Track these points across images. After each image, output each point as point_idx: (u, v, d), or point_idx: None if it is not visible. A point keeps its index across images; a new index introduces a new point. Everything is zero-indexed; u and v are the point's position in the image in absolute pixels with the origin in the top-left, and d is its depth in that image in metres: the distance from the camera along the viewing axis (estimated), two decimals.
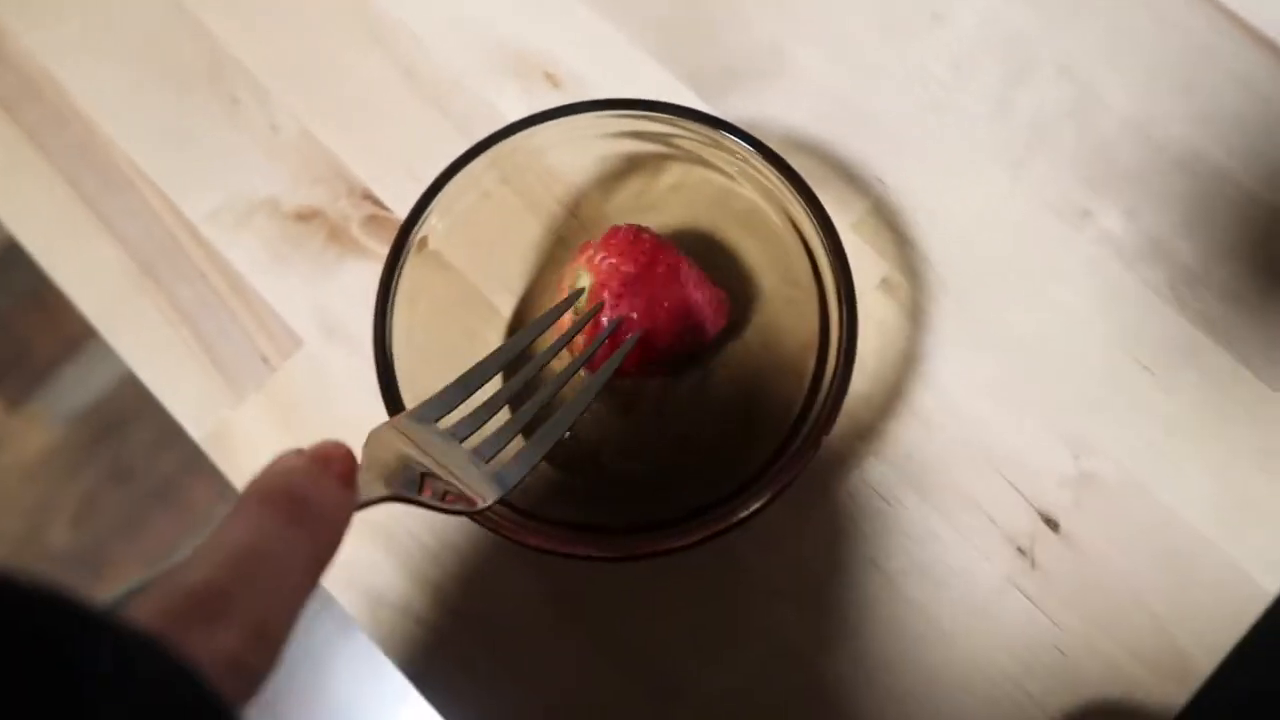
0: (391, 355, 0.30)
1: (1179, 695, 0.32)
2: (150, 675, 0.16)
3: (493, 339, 0.35)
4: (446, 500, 0.26)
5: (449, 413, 0.28)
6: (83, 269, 0.38)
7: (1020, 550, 0.33)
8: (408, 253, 0.31)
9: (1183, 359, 0.35)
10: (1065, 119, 0.38)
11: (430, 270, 0.33)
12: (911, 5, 0.39)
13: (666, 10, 0.40)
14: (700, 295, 0.33)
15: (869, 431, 0.35)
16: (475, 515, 0.28)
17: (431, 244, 0.32)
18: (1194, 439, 0.34)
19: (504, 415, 0.29)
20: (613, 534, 0.30)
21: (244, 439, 0.36)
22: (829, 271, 0.31)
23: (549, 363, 0.31)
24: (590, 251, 0.32)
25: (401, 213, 0.38)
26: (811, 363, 0.31)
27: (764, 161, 0.31)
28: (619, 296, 0.31)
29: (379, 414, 0.36)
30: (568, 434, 0.30)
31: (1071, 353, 0.35)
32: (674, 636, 0.33)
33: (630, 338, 0.31)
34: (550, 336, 0.32)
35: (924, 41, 0.39)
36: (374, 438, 0.26)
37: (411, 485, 0.25)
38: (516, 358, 0.30)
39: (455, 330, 0.34)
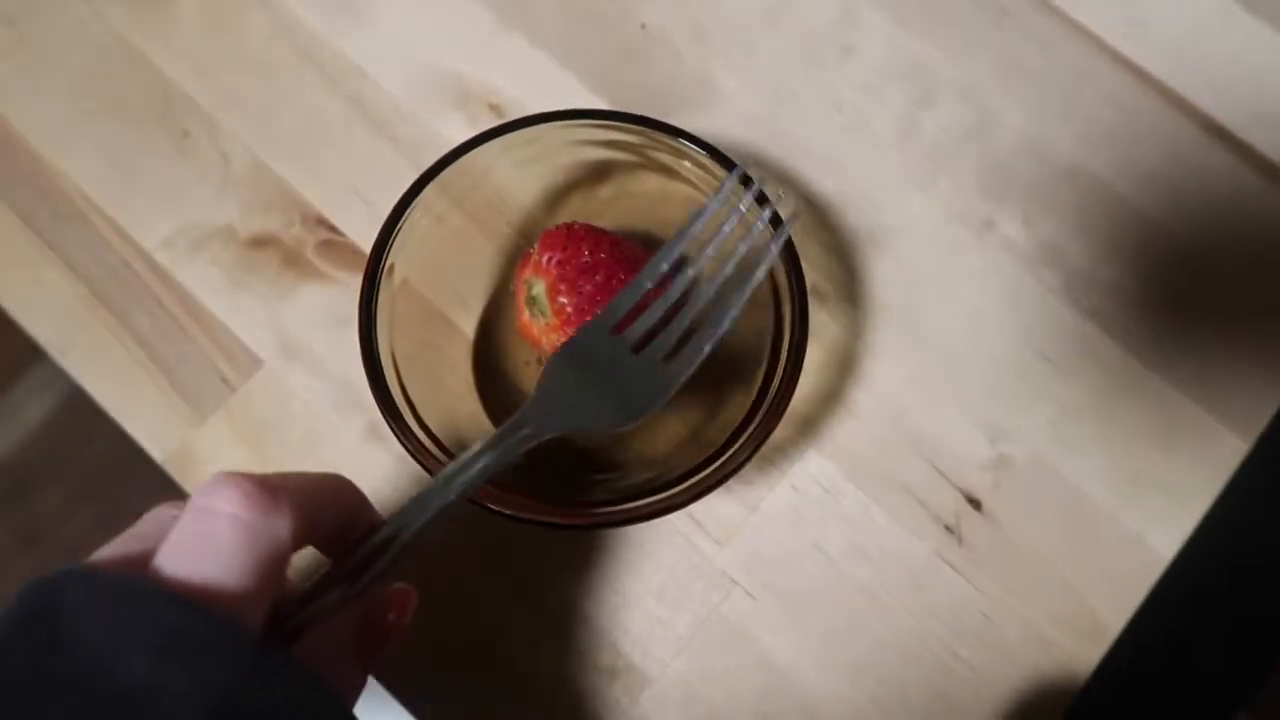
0: (385, 376, 0.32)
1: (1093, 652, 0.35)
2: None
3: (458, 355, 0.37)
4: None
5: (617, 323, 0.31)
6: (34, 298, 0.39)
7: (948, 528, 0.36)
8: (380, 279, 0.32)
9: (1078, 350, 0.39)
10: (966, 138, 0.41)
11: (395, 293, 0.34)
12: (824, 38, 0.43)
13: (602, 44, 0.43)
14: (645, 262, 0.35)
15: (808, 428, 0.38)
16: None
17: (398, 270, 0.34)
18: (1092, 421, 0.38)
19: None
20: (572, 505, 0.32)
21: (207, 458, 0.37)
22: (781, 269, 0.33)
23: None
24: (533, 258, 0.34)
25: (355, 237, 0.40)
26: (764, 356, 0.34)
27: (710, 159, 0.33)
28: (575, 285, 0.33)
29: (343, 431, 0.37)
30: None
31: (983, 349, 0.39)
32: (637, 624, 0.35)
33: (785, 225, 0.31)
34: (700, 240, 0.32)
35: (837, 71, 0.42)
36: (548, 368, 0.29)
37: None
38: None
39: (426, 349, 0.36)
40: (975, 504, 0.37)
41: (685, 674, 0.35)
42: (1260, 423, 0.38)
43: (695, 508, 0.36)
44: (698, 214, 0.31)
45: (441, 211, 0.35)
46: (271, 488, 0.22)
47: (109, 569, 0.21)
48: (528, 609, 0.36)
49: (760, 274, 0.31)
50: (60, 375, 0.37)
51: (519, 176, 0.37)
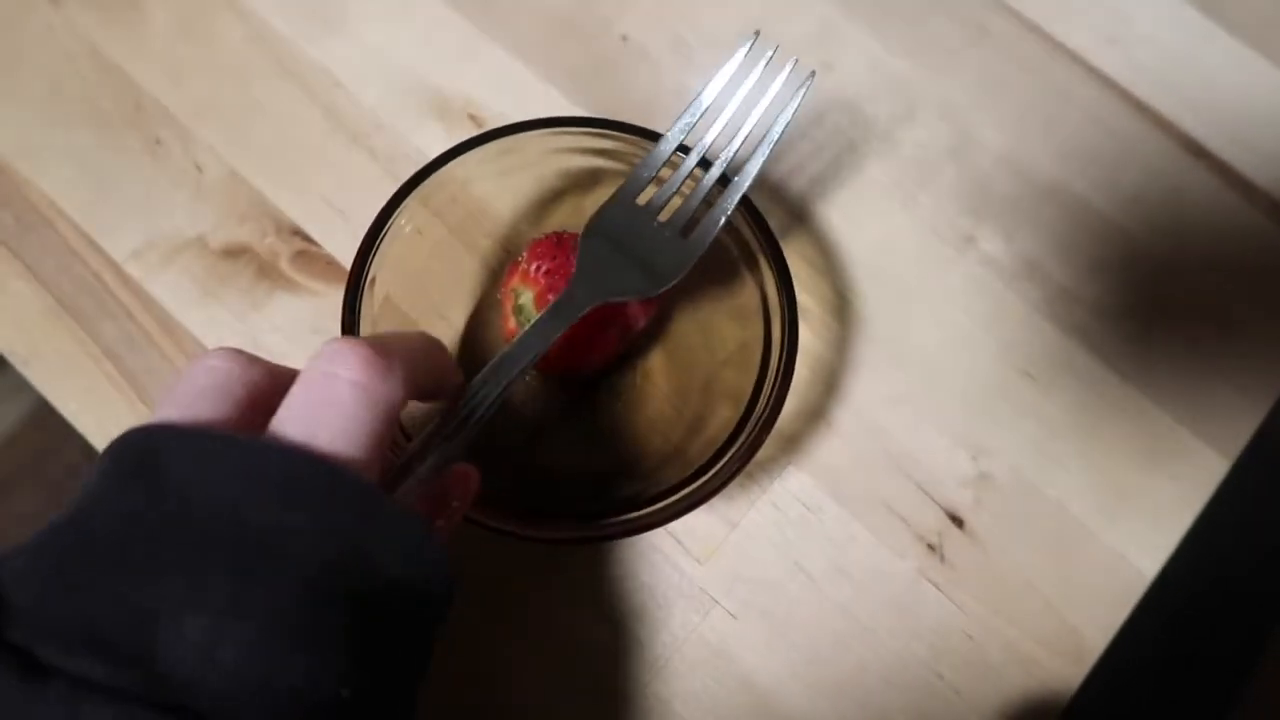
0: None
1: (1076, 671, 0.35)
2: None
3: None
4: None
5: (641, 194, 0.32)
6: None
7: (930, 546, 0.36)
8: (363, 291, 0.32)
9: (1060, 367, 0.39)
10: (947, 156, 0.41)
11: (376, 306, 0.33)
12: (804, 53, 0.43)
13: (583, 55, 0.42)
14: None
15: (790, 445, 0.37)
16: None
17: (379, 283, 0.33)
18: (1073, 438, 0.38)
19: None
20: (554, 520, 0.31)
21: None
22: (772, 282, 0.33)
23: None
24: (522, 267, 0.34)
25: (331, 248, 0.39)
26: (750, 371, 0.33)
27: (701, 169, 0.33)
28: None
29: None
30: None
31: (964, 365, 0.39)
32: (615, 644, 0.35)
33: (801, 88, 0.32)
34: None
35: (818, 87, 0.42)
36: (584, 241, 0.31)
37: None
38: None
39: None
40: (958, 521, 0.36)
41: (664, 695, 0.34)
42: (1240, 441, 0.38)
43: (675, 525, 0.35)
44: (711, 80, 0.32)
45: (422, 224, 0.35)
46: (385, 351, 0.23)
47: (206, 430, 0.22)
48: (505, 629, 0.35)
49: (777, 134, 0.31)
50: (28, 385, 0.36)
51: (500, 187, 0.37)
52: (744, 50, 0.32)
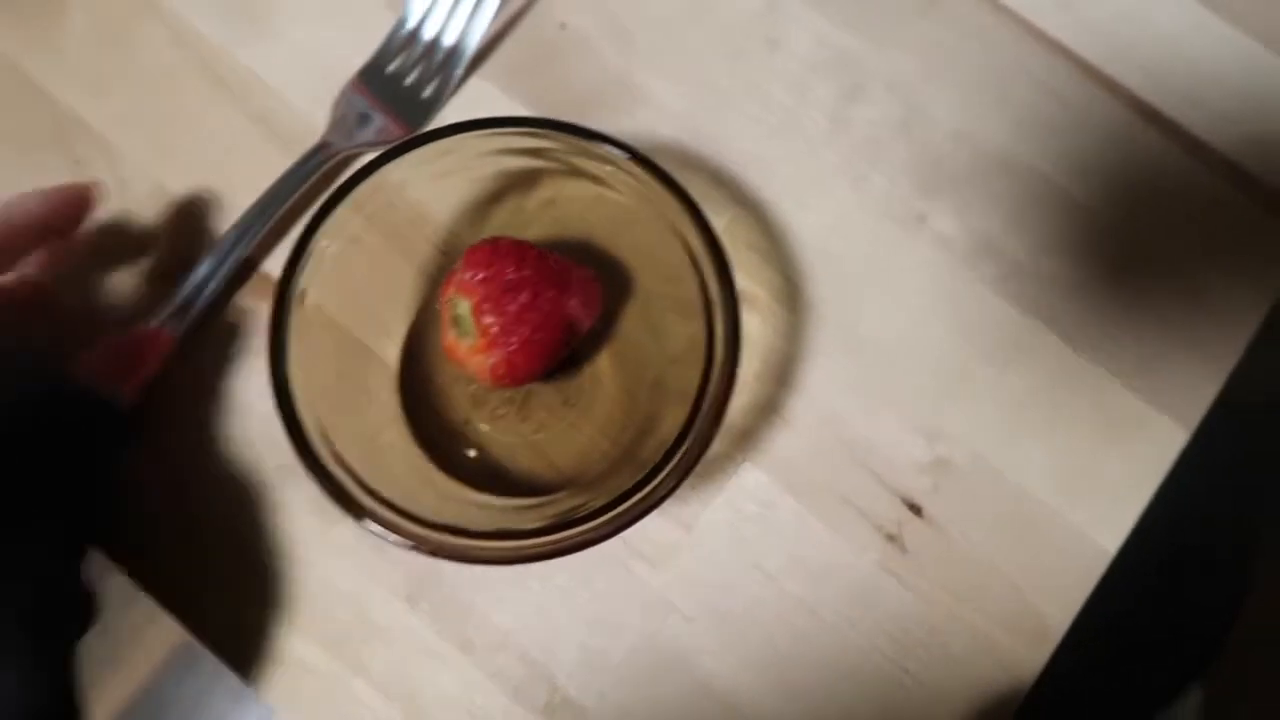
0: (298, 412, 0.30)
1: (1040, 653, 0.35)
2: None
3: (377, 383, 0.36)
4: None
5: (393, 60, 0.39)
6: None
7: (890, 537, 0.36)
8: (290, 307, 0.31)
9: (1017, 345, 0.38)
10: (897, 132, 0.40)
11: (309, 322, 0.32)
12: (748, 32, 0.41)
13: (521, 46, 0.41)
14: (575, 275, 0.34)
15: (743, 440, 0.36)
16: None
17: (310, 296, 0.32)
18: (1031, 418, 0.37)
19: None
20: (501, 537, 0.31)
21: None
22: (713, 279, 0.32)
23: None
24: (458, 275, 0.33)
25: (269, 264, 0.38)
26: (697, 368, 0.32)
27: (639, 167, 0.32)
28: (500, 304, 0.32)
29: (253, 462, 0.36)
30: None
31: (919, 349, 0.38)
32: (571, 654, 0.34)
33: None
34: None
35: (764, 67, 0.41)
36: (341, 99, 0.38)
37: None
38: None
39: (344, 380, 0.35)
40: (916, 510, 0.36)
41: (625, 704, 0.34)
42: (1200, 410, 0.37)
43: (629, 530, 0.35)
44: None
45: (356, 232, 0.34)
46: None
47: None
48: (456, 647, 0.34)
49: None
50: None
51: (438, 191, 0.36)
52: None
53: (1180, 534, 0.37)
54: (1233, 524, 0.40)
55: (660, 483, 0.31)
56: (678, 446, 0.31)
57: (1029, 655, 0.35)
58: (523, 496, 0.36)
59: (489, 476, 0.36)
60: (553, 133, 0.33)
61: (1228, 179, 0.40)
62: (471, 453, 0.37)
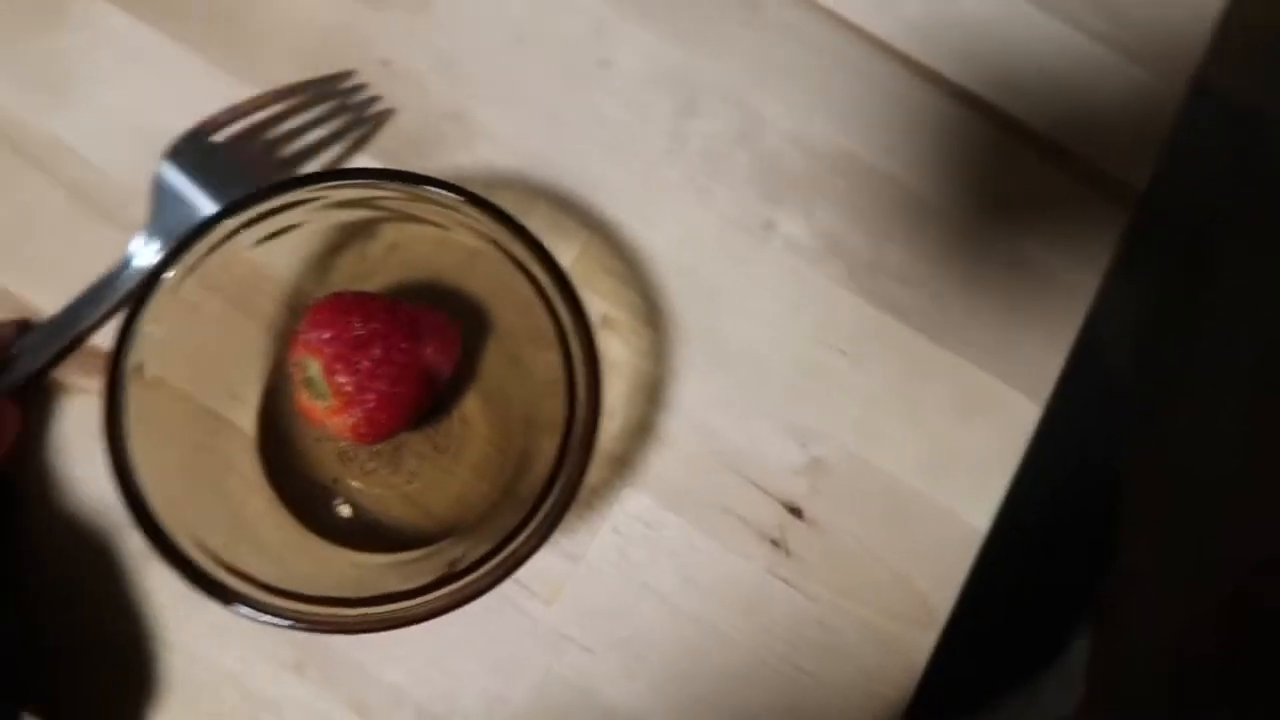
0: (145, 499, 0.28)
1: (929, 636, 0.36)
2: None
3: (234, 451, 0.34)
4: None
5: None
6: None
7: (774, 542, 0.36)
8: (124, 385, 0.29)
9: (873, 339, 0.39)
10: (735, 142, 0.41)
11: (151, 398, 0.31)
12: (579, 54, 0.41)
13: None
14: (428, 321, 0.33)
15: (622, 465, 0.36)
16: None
17: (149, 370, 0.30)
18: (895, 408, 0.38)
19: None
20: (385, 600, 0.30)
21: None
22: (563, 308, 0.32)
23: None
24: (303, 336, 0.32)
25: (100, 339, 0.36)
26: (562, 409, 0.32)
27: (475, 209, 0.31)
28: (351, 362, 0.31)
29: (110, 561, 0.34)
30: None
31: (781, 353, 0.39)
32: (471, 702, 0.34)
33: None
34: None
35: (598, 88, 0.41)
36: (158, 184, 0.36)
37: None
38: None
39: (199, 453, 0.33)
40: (796, 513, 0.37)
41: None
42: (1048, 384, 0.39)
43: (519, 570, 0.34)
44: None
45: (192, 299, 0.32)
46: None
47: None
48: (352, 710, 0.33)
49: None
50: None
51: (275, 248, 0.34)
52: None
53: (1048, 502, 0.39)
54: (1095, 484, 0.42)
55: (541, 520, 0.30)
56: (554, 480, 0.31)
57: (919, 639, 0.36)
58: (404, 550, 0.35)
59: (366, 534, 0.35)
60: (382, 182, 0.32)
61: (1045, 157, 0.42)
62: (345, 511, 0.35)
